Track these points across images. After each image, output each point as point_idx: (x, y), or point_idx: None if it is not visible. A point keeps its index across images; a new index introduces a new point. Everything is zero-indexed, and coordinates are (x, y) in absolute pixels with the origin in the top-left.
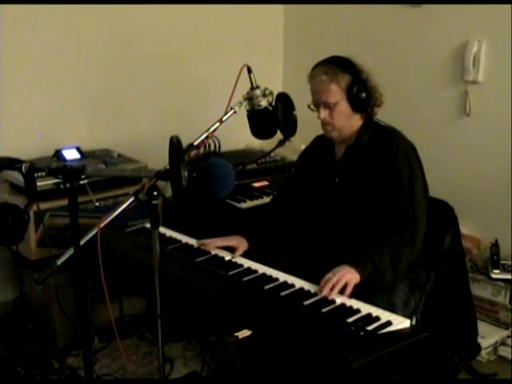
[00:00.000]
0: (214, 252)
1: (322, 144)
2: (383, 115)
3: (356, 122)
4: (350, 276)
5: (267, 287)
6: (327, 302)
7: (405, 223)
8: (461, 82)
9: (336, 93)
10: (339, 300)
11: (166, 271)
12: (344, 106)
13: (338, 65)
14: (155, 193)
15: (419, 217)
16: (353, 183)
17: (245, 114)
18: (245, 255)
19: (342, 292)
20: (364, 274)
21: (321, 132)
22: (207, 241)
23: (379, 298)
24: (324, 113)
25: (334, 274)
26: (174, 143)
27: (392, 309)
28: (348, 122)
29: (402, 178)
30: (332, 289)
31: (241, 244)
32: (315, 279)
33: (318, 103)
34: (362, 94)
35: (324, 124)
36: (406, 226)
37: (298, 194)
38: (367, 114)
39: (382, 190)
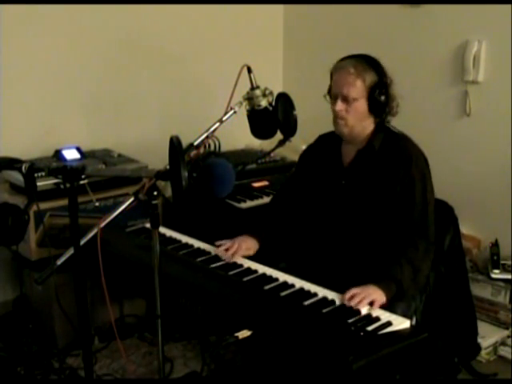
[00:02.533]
0: (214, 252)
1: (327, 144)
2: None
3: (368, 124)
4: (376, 295)
5: (267, 287)
6: (327, 302)
7: (419, 235)
8: (461, 82)
9: (359, 89)
10: (365, 310)
11: (165, 271)
12: (362, 104)
13: (368, 62)
14: (155, 193)
15: (431, 226)
16: (360, 187)
17: (245, 113)
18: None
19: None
20: (389, 295)
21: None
22: (223, 249)
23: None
24: (341, 105)
25: (362, 290)
26: (174, 143)
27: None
28: (361, 122)
29: (415, 189)
30: (360, 302)
31: (251, 247)
32: (316, 283)
33: (336, 95)
34: (382, 97)
35: (337, 117)
36: (420, 237)
37: (299, 193)
38: (380, 119)
39: (394, 199)
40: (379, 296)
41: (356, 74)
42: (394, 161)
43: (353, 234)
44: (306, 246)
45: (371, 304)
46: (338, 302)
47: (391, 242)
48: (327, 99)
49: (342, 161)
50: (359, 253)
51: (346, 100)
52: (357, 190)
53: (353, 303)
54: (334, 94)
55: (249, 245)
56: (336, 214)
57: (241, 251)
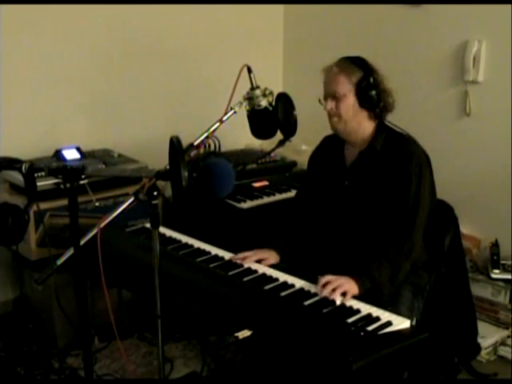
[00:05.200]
0: (214, 253)
1: (331, 145)
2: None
3: (364, 121)
4: (349, 286)
5: (267, 287)
6: (327, 302)
7: (403, 236)
8: (461, 82)
9: (345, 84)
10: (339, 300)
11: (165, 271)
12: (351, 100)
13: (352, 61)
14: (155, 193)
15: (417, 229)
16: (363, 188)
17: (245, 114)
18: None
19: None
20: (362, 289)
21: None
22: (241, 256)
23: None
24: (331, 104)
25: (336, 279)
26: (174, 143)
27: None
28: (354, 116)
29: (410, 189)
30: (334, 291)
31: (271, 257)
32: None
33: (326, 95)
34: (372, 92)
35: (330, 116)
36: (404, 238)
37: (310, 196)
38: (376, 115)
39: (388, 198)
40: (352, 287)
41: (339, 70)
42: (395, 160)
43: (356, 235)
44: (310, 247)
45: (344, 294)
46: (338, 302)
47: (377, 239)
48: (322, 102)
49: (344, 161)
50: (355, 260)
51: (334, 98)
52: (359, 191)
53: (326, 292)
54: (324, 96)
55: (266, 255)
56: (340, 215)
57: (254, 257)
